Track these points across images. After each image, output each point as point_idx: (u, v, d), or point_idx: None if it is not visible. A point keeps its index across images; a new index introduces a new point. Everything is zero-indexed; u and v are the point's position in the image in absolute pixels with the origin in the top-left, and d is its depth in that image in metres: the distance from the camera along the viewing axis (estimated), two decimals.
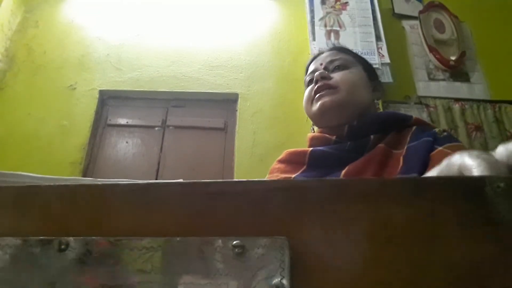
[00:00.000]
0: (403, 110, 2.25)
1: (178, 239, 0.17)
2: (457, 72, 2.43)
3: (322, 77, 0.73)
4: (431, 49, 2.44)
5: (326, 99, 0.70)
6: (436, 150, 0.59)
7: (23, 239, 0.18)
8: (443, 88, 2.38)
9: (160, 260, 0.17)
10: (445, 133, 0.64)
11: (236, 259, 0.16)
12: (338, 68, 0.76)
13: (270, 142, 2.10)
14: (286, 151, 0.77)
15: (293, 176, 0.69)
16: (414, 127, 0.68)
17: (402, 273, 0.16)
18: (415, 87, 2.36)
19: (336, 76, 0.73)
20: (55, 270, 0.17)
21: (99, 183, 0.22)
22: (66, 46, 2.39)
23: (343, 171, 0.63)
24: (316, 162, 0.69)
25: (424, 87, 2.37)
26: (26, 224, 0.20)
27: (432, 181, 0.18)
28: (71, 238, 0.18)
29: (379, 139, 0.67)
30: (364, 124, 0.70)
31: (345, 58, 0.78)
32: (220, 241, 0.17)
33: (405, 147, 0.63)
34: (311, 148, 0.72)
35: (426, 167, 0.57)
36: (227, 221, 0.18)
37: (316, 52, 2.27)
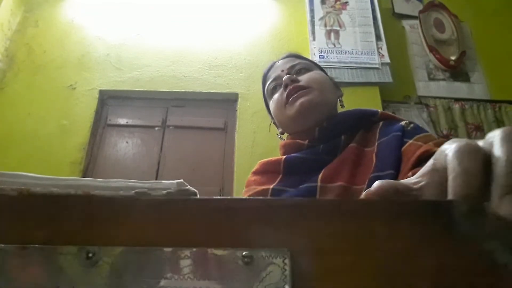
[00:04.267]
0: (403, 110, 2.25)
1: (195, 249, 0.20)
2: (457, 72, 2.43)
3: (292, 80, 0.71)
4: (431, 49, 2.44)
5: (303, 99, 0.69)
6: (406, 144, 0.59)
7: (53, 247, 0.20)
8: (443, 88, 2.38)
9: (183, 267, 0.20)
10: (412, 125, 0.64)
11: (245, 267, 0.19)
12: (301, 71, 0.74)
13: (270, 142, 2.10)
14: (259, 162, 0.76)
15: (270, 187, 0.67)
16: (381, 122, 0.68)
17: (383, 280, 0.20)
18: (415, 87, 2.36)
19: (303, 78, 0.72)
20: (83, 277, 0.20)
21: (118, 194, 0.23)
22: (66, 46, 2.39)
23: (320, 175, 0.62)
24: (292, 169, 0.68)
25: (424, 87, 2.37)
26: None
27: (409, 204, 0.22)
28: (97, 247, 0.20)
29: (350, 139, 0.67)
30: (334, 124, 0.69)
31: (304, 62, 0.77)
32: (232, 251, 0.20)
33: (376, 144, 0.64)
34: (285, 156, 0.70)
35: (399, 162, 0.57)
36: (236, 234, 0.21)
37: (316, 52, 2.28)
